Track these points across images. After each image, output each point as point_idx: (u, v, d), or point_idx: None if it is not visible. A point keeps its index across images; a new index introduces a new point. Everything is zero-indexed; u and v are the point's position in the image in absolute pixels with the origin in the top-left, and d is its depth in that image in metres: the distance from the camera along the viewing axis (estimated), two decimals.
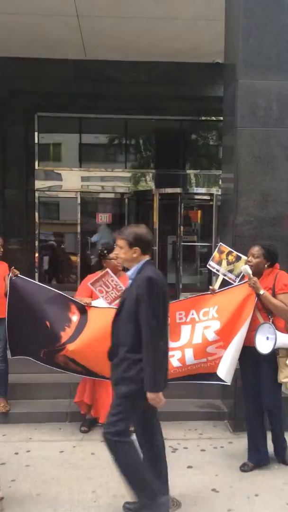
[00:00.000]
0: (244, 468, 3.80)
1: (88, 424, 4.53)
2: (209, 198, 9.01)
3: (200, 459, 3.96)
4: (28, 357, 4.52)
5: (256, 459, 3.84)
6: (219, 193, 8.10)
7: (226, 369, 3.81)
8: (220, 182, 9.53)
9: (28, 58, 8.33)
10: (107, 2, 6.54)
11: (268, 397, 3.76)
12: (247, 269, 3.72)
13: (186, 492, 3.48)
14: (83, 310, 4.33)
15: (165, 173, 10.13)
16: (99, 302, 4.34)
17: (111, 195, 10.44)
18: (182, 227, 8.81)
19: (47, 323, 4.26)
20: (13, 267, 4.53)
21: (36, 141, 9.71)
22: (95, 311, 4.28)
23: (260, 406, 3.84)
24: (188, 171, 10.24)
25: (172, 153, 10.25)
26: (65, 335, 4.20)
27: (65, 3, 6.57)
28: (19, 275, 4.46)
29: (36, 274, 9.55)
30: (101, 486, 3.54)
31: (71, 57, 8.36)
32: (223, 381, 3.84)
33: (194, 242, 9.44)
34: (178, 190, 8.98)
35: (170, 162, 10.21)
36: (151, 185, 10.10)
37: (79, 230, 9.88)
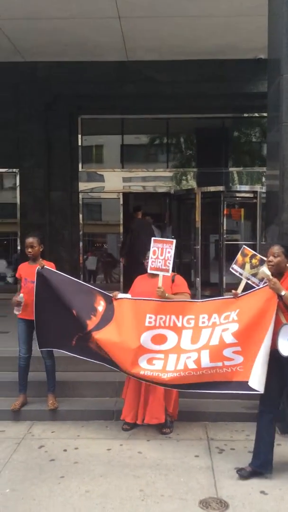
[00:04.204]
0: (240, 473, 3.68)
1: (129, 423, 4.52)
2: (252, 195, 8.83)
3: (247, 461, 3.87)
4: (58, 349, 4.61)
5: (256, 465, 3.70)
6: (263, 190, 7.95)
7: (258, 377, 3.64)
8: (264, 179, 9.37)
9: (70, 61, 8.52)
10: (147, 2, 6.56)
11: None
12: (264, 270, 3.61)
13: (234, 493, 3.45)
14: (109, 300, 4.41)
15: (207, 172, 10.04)
16: (126, 296, 4.43)
17: (153, 195, 10.45)
18: (225, 226, 8.69)
19: (74, 311, 4.34)
20: (40, 259, 4.66)
21: (79, 143, 9.87)
22: (121, 302, 4.34)
23: (275, 413, 3.66)
24: (231, 169, 10.11)
25: (214, 151, 10.15)
26: (91, 323, 4.26)
27: (106, 6, 6.64)
28: (45, 266, 4.54)
29: (81, 274, 9.70)
30: (148, 486, 3.56)
31: (112, 59, 8.46)
32: (252, 389, 3.65)
33: (238, 240, 9.27)
34: (220, 188, 8.85)
35: (212, 160, 10.12)
36: (193, 184, 10.03)
37: (121, 230, 9.95)
